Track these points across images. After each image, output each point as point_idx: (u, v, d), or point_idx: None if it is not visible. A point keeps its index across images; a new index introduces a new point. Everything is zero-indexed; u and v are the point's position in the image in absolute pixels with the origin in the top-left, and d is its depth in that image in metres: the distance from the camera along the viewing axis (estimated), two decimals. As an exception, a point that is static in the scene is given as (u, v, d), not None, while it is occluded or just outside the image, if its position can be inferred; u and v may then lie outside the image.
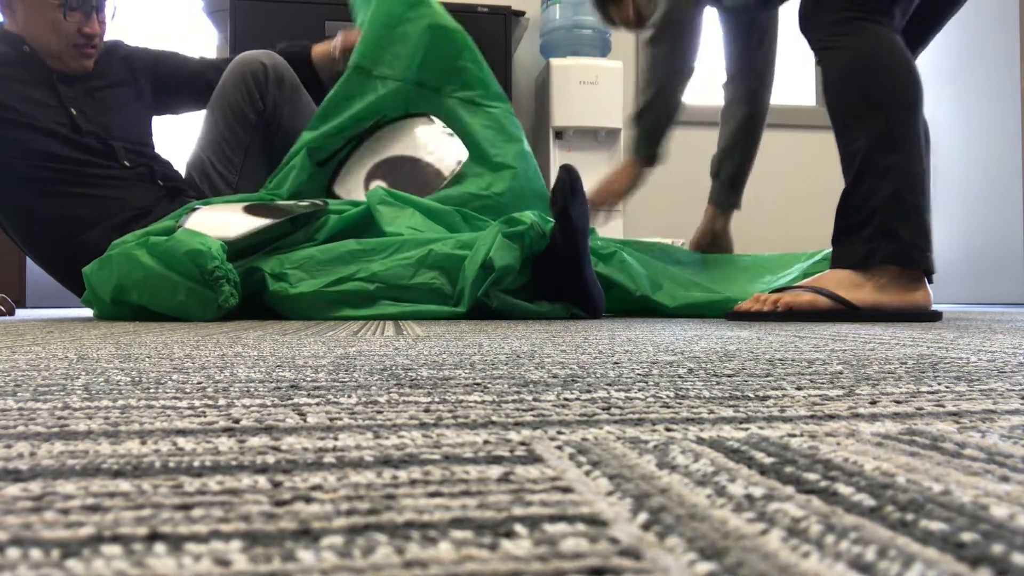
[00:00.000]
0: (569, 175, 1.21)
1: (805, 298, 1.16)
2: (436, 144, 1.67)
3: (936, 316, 1.17)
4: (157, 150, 1.70)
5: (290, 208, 1.40)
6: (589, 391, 0.36)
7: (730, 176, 1.68)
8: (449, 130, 1.68)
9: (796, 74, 3.09)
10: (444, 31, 1.68)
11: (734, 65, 1.67)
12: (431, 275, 1.30)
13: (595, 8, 1.68)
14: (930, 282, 1.19)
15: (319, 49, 1.78)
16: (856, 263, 1.17)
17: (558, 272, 1.28)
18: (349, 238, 1.40)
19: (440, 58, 1.69)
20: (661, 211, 2.84)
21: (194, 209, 1.39)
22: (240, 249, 1.35)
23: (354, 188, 1.66)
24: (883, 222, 1.15)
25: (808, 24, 1.25)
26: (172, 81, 1.73)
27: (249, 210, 1.39)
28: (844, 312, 1.14)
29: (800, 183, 2.99)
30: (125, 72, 1.67)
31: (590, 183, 1.43)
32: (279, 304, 1.31)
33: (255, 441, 0.24)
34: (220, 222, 1.34)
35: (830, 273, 1.19)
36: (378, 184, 1.58)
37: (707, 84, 3.05)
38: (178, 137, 2.45)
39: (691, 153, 2.94)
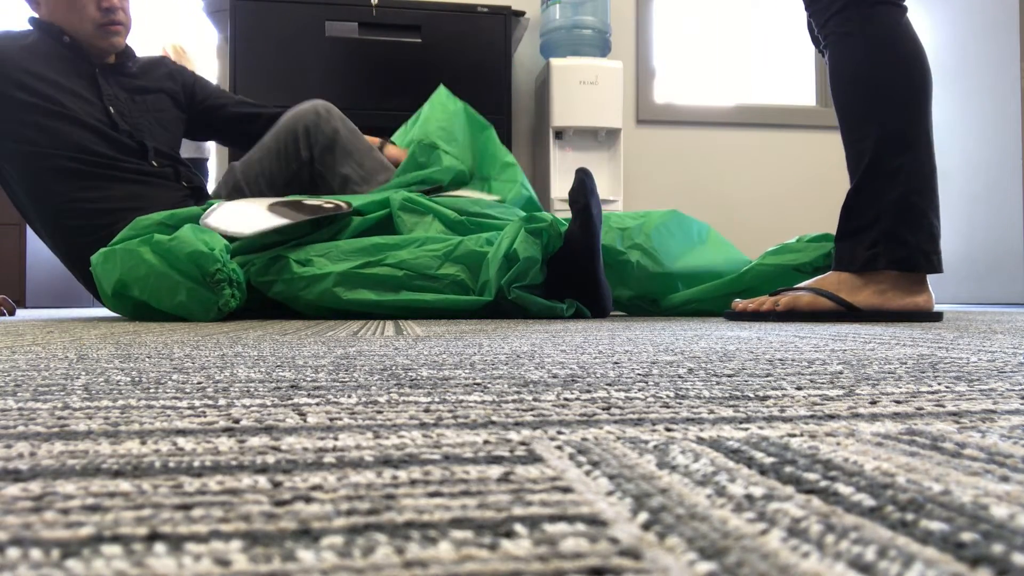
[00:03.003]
0: (587, 176, 1.32)
1: (805, 299, 1.16)
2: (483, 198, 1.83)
3: (937, 316, 1.16)
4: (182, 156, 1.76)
5: (315, 208, 1.42)
6: (589, 391, 0.36)
7: None
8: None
9: (796, 74, 3.08)
10: (480, 126, 1.88)
11: None
12: (456, 268, 1.35)
13: None
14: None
15: (391, 151, 1.86)
16: (858, 268, 1.14)
17: (571, 269, 1.33)
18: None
19: (485, 152, 1.88)
20: (661, 207, 2.83)
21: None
22: (261, 244, 1.37)
23: None
24: (889, 226, 1.12)
25: (815, 8, 1.18)
26: (203, 106, 1.80)
27: (273, 208, 1.41)
28: (844, 313, 1.13)
29: (800, 183, 2.99)
30: (168, 82, 1.74)
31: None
32: (298, 289, 1.33)
33: (255, 441, 0.24)
34: (242, 216, 1.36)
35: (832, 275, 1.18)
36: None
37: (706, 84, 3.06)
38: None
39: (689, 151, 2.94)
